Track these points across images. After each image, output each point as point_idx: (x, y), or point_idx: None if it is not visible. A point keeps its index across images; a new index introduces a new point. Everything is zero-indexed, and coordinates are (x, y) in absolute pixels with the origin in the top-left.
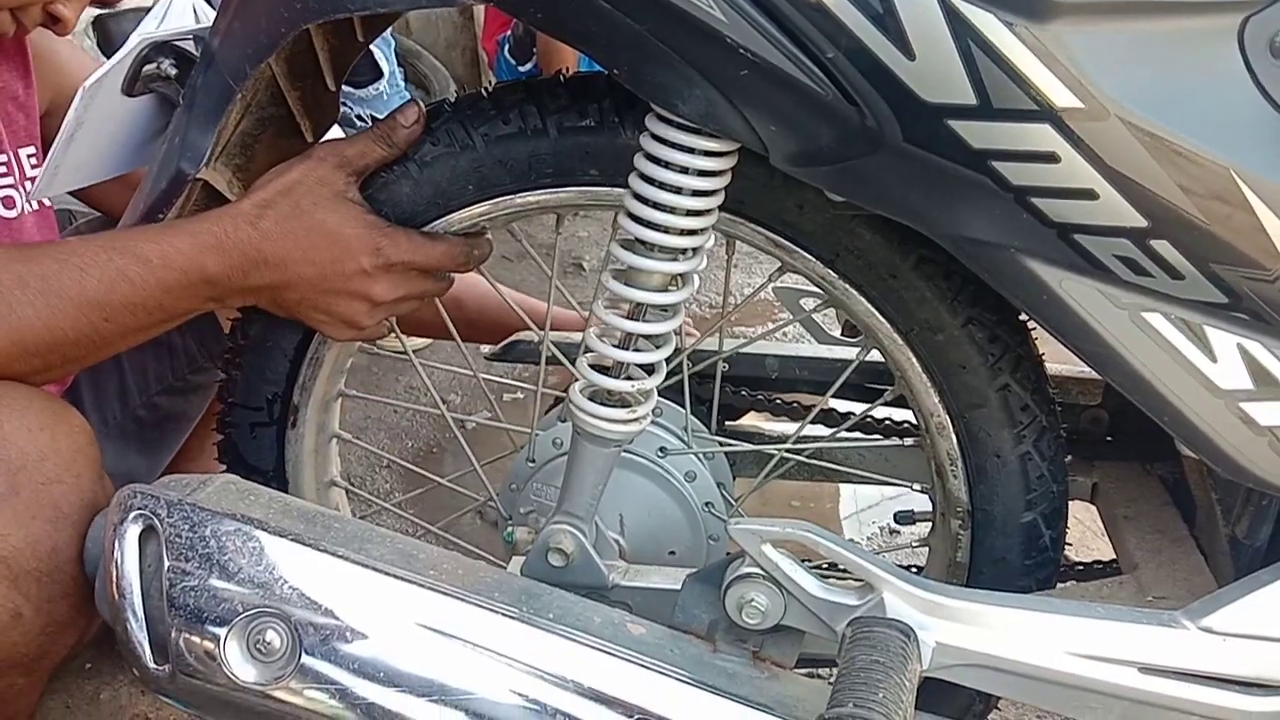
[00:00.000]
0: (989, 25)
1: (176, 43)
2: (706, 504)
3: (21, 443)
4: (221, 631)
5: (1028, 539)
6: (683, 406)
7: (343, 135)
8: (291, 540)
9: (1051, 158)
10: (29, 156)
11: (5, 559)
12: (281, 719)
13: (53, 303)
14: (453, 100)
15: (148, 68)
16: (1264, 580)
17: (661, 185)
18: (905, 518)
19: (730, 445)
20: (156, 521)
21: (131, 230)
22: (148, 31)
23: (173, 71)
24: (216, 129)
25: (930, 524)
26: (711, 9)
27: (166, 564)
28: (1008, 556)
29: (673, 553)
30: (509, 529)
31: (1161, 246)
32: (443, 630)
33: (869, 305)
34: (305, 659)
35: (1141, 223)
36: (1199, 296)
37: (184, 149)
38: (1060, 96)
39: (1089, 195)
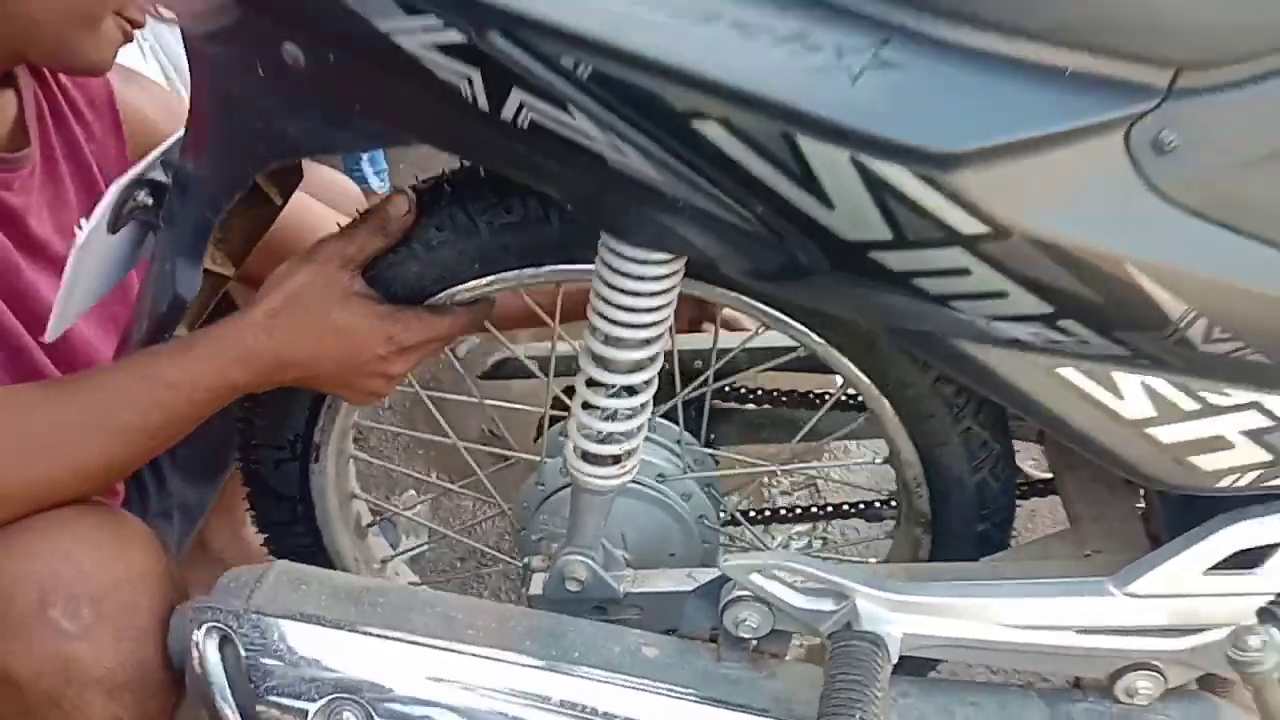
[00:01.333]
0: (899, 177)
1: (148, 175)
2: (700, 517)
3: (101, 575)
4: (307, 709)
5: (980, 542)
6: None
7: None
8: (347, 630)
9: (964, 272)
10: None
11: (101, 679)
12: None
13: (103, 437)
14: (450, 181)
15: (126, 206)
16: (1176, 549)
17: (621, 291)
18: (873, 516)
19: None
20: (230, 631)
21: (157, 355)
22: (121, 182)
23: (149, 201)
24: (204, 257)
25: (896, 522)
26: (650, 172)
27: (245, 664)
28: (962, 554)
29: (673, 554)
30: (526, 559)
31: (1068, 324)
32: (486, 688)
33: (850, 364)
34: None
35: (1048, 309)
36: (1104, 353)
37: (176, 277)
38: (966, 226)
39: (1000, 295)
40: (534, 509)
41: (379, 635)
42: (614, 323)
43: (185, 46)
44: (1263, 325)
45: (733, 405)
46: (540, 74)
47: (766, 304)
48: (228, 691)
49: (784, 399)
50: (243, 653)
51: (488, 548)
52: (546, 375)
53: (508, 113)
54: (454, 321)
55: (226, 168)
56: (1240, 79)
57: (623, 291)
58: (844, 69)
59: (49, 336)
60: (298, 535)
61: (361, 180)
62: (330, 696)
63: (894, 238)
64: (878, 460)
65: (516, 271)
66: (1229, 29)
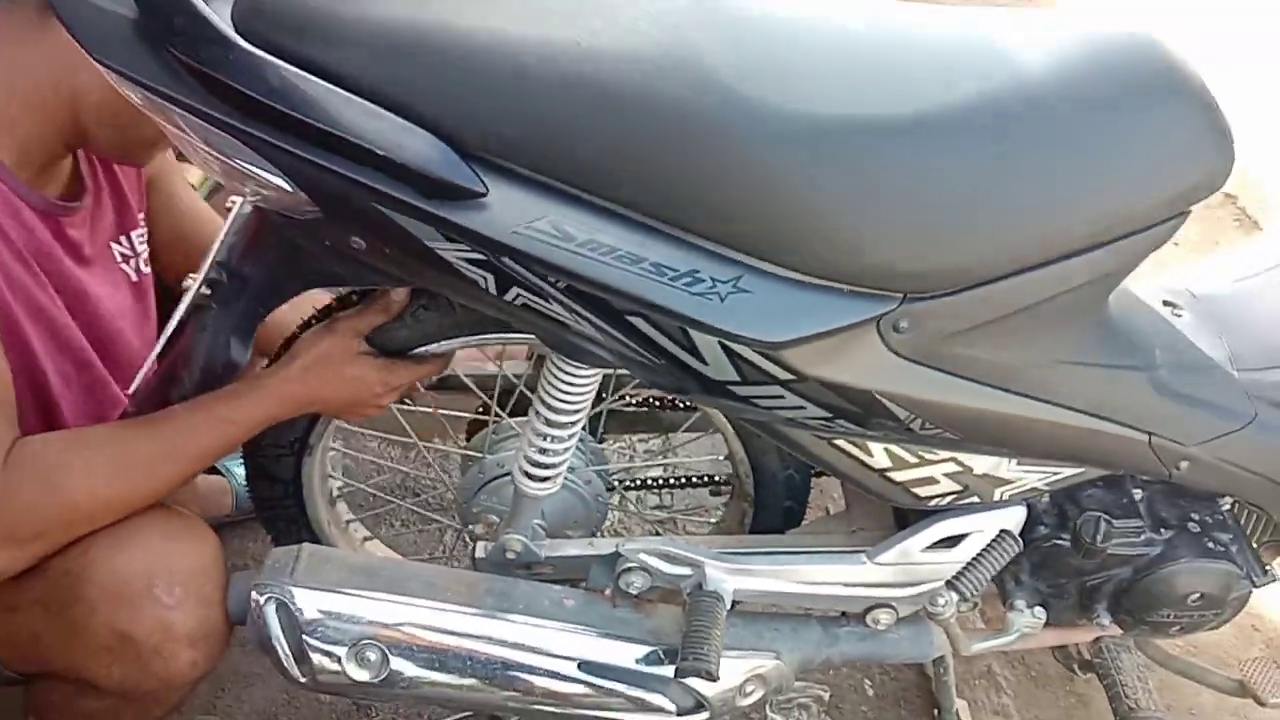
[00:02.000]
0: (746, 352)
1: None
2: (595, 495)
3: (185, 562)
4: (340, 652)
5: (786, 514)
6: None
7: None
8: (363, 595)
9: (780, 396)
10: (138, 236)
11: (188, 635)
12: (380, 697)
13: (177, 461)
14: None
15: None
16: (905, 536)
17: (562, 387)
18: (715, 492)
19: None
20: (282, 598)
21: (217, 399)
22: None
23: (208, 292)
24: (253, 335)
25: (729, 498)
26: (595, 334)
27: (298, 620)
28: (774, 521)
29: (575, 522)
30: (470, 527)
31: (839, 422)
32: (460, 633)
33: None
34: (394, 662)
35: (829, 415)
36: (861, 434)
37: (231, 347)
38: (782, 375)
39: (801, 408)
40: (474, 491)
41: (385, 598)
42: (557, 403)
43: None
44: (951, 418)
45: (619, 409)
46: (532, 282)
47: None
48: (283, 641)
49: (656, 405)
50: (295, 616)
51: (429, 511)
52: (483, 393)
53: (508, 298)
54: (430, 366)
55: (283, 283)
56: (941, 294)
57: (563, 386)
58: (716, 293)
59: (131, 390)
60: (287, 507)
61: None
62: (355, 641)
63: (740, 379)
64: (720, 457)
65: (479, 336)
66: (931, 276)
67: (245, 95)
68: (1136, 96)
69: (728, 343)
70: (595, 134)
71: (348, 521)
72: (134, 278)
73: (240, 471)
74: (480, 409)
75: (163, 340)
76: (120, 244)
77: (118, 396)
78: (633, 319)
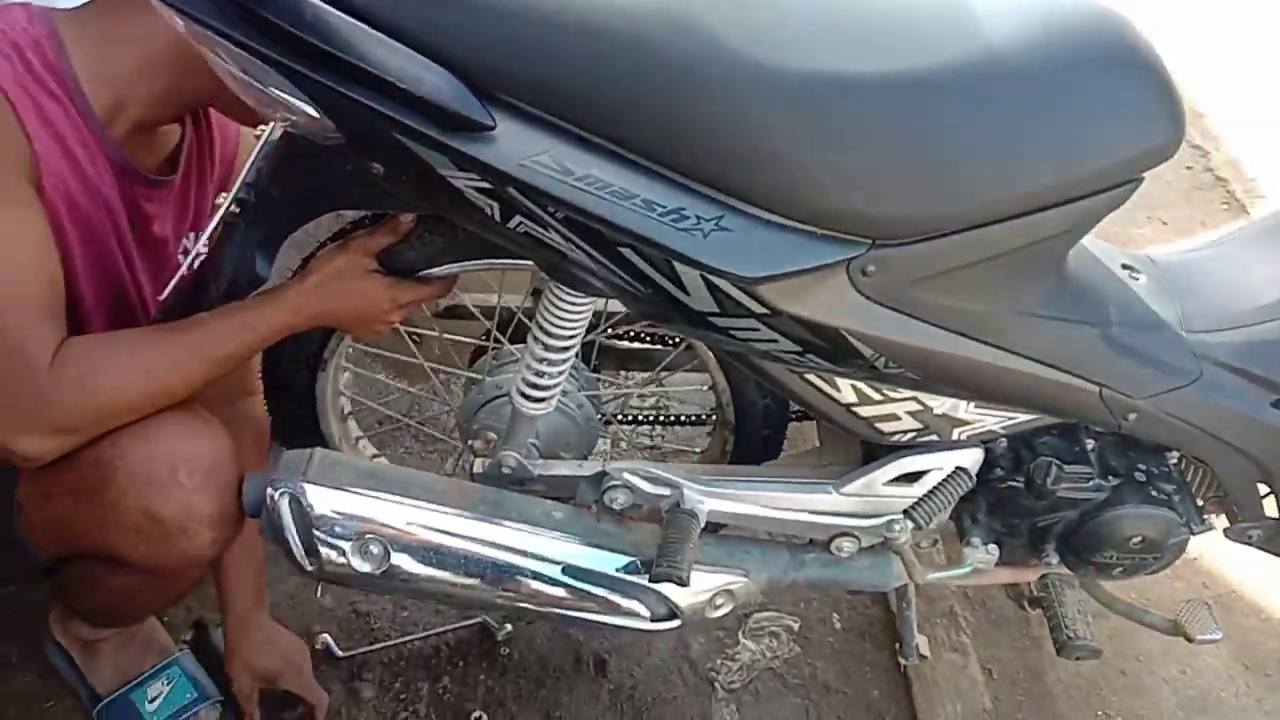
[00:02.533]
0: (725, 285)
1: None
2: (587, 419)
3: (207, 452)
4: (346, 546)
5: (765, 443)
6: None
7: None
8: (369, 495)
9: (755, 329)
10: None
11: (208, 516)
12: (381, 589)
13: (201, 364)
14: None
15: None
16: (869, 470)
17: (558, 311)
18: (697, 422)
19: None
20: (298, 493)
21: (242, 308)
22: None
23: (236, 210)
24: (277, 252)
25: (713, 428)
26: (589, 262)
27: (309, 515)
28: (753, 450)
29: (568, 444)
30: (470, 443)
31: (809, 357)
32: (456, 534)
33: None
34: (394, 557)
35: (799, 349)
36: (828, 369)
37: (256, 263)
38: (757, 309)
39: (774, 341)
40: (474, 411)
41: (389, 498)
42: (553, 327)
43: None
44: (913, 359)
45: (612, 344)
46: (534, 211)
47: None
48: (295, 534)
49: (648, 342)
50: (307, 510)
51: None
52: (484, 320)
53: (511, 225)
54: (434, 288)
55: (307, 204)
56: (907, 241)
57: (559, 311)
58: (700, 229)
59: (162, 295)
60: (300, 417)
61: None
62: (360, 536)
63: (720, 311)
64: (705, 388)
65: (477, 261)
66: (898, 224)
67: (280, 27)
68: (1094, 67)
69: (708, 276)
70: (596, 77)
71: (357, 438)
72: (184, 271)
73: None
74: (483, 336)
75: (194, 252)
76: (188, 239)
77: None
78: (623, 250)
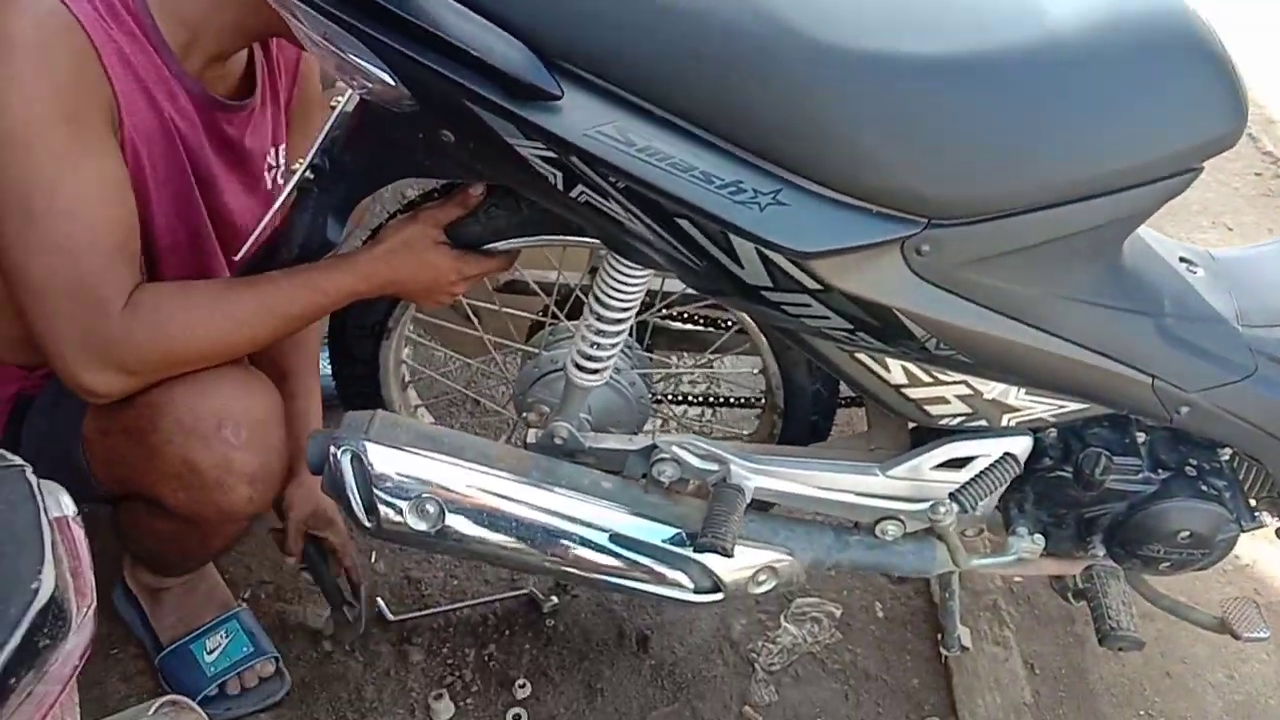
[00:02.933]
0: (779, 259)
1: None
2: (639, 398)
3: (253, 409)
4: (404, 504)
5: (813, 428)
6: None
7: None
8: (429, 456)
9: (807, 305)
10: (284, 151)
11: (248, 473)
12: (435, 548)
13: (272, 319)
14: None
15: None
16: (917, 454)
17: (615, 283)
18: (747, 405)
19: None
20: (360, 451)
21: (312, 270)
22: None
23: (311, 176)
24: (349, 218)
25: (761, 410)
26: (647, 233)
27: (370, 473)
28: (801, 434)
29: (618, 421)
30: (524, 415)
31: (861, 335)
32: (509, 498)
33: (766, 341)
34: (449, 518)
35: (851, 327)
36: (880, 348)
37: (328, 227)
38: (811, 284)
39: (825, 318)
40: (530, 384)
41: (447, 462)
42: (608, 299)
43: (362, 100)
44: (964, 341)
45: (666, 324)
46: (595, 181)
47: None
48: (356, 490)
49: (701, 324)
50: (368, 469)
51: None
52: (543, 295)
53: (573, 194)
54: (498, 263)
55: (379, 172)
56: (963, 222)
57: (615, 284)
58: (757, 203)
59: (238, 257)
60: (363, 384)
61: None
62: (418, 495)
63: (773, 285)
64: (755, 371)
65: (539, 237)
66: (954, 205)
67: None
68: (1156, 53)
69: (763, 249)
70: (661, 51)
71: (415, 406)
72: (269, 187)
73: None
74: (541, 311)
75: (270, 214)
76: (270, 155)
77: (222, 269)
78: (680, 221)
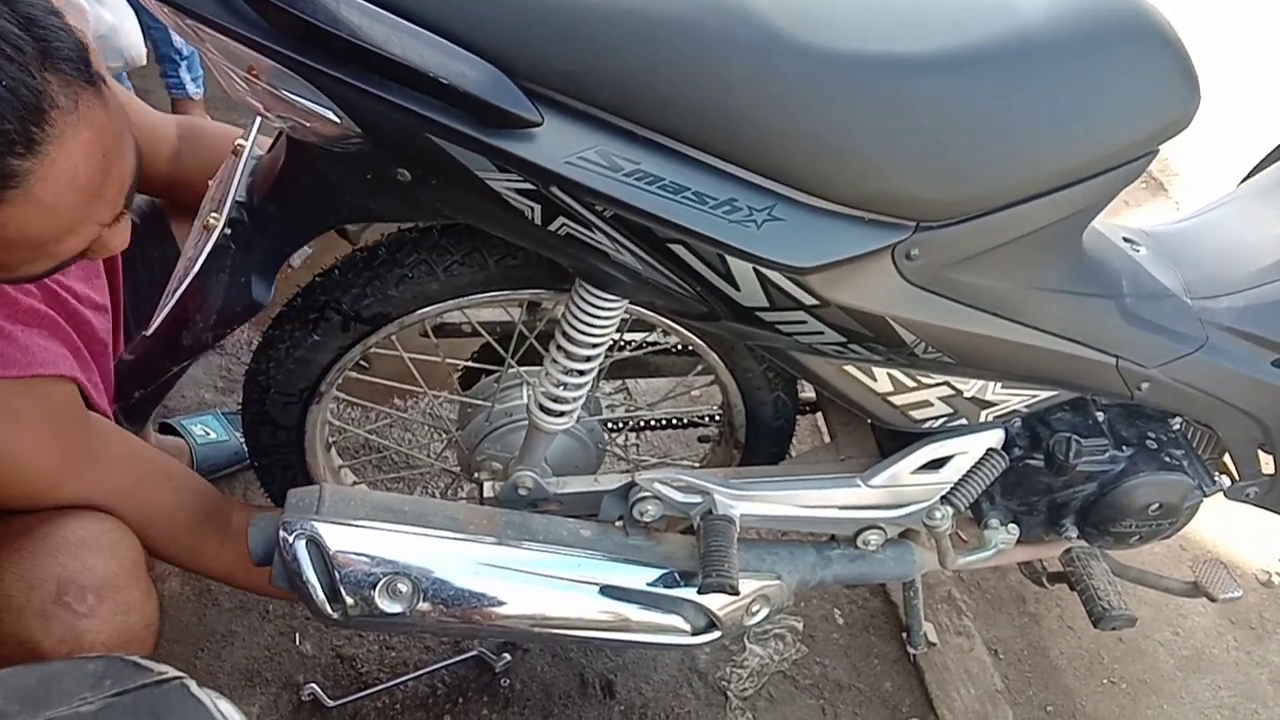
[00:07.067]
0: (776, 278)
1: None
2: (596, 442)
3: (101, 569)
4: (372, 586)
5: (770, 458)
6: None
7: None
8: (392, 530)
9: (802, 321)
10: None
11: (103, 644)
12: (410, 629)
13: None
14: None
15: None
16: (898, 459)
17: (587, 317)
18: (703, 440)
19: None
20: (313, 534)
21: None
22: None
23: (228, 232)
24: (276, 275)
25: (718, 442)
26: (635, 264)
27: (329, 557)
28: (765, 448)
29: (576, 465)
30: (477, 475)
31: (854, 347)
32: (488, 562)
33: (713, 354)
34: (424, 594)
35: (844, 339)
36: (869, 358)
37: (253, 287)
38: (806, 300)
39: (820, 333)
40: (479, 438)
41: (413, 533)
42: (580, 336)
43: (289, 139)
44: (950, 341)
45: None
46: (578, 212)
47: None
48: (316, 579)
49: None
50: (325, 552)
51: (423, 456)
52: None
53: (553, 228)
54: None
55: (312, 219)
56: (949, 223)
57: (588, 318)
58: (753, 220)
59: (149, 332)
60: (285, 453)
61: (179, 87)
62: (388, 574)
63: (769, 305)
64: (715, 407)
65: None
66: (941, 206)
67: (299, 21)
68: (1117, 39)
69: (761, 268)
70: (644, 67)
71: (339, 467)
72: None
73: (197, 430)
74: (475, 355)
75: (184, 284)
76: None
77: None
78: (674, 246)
